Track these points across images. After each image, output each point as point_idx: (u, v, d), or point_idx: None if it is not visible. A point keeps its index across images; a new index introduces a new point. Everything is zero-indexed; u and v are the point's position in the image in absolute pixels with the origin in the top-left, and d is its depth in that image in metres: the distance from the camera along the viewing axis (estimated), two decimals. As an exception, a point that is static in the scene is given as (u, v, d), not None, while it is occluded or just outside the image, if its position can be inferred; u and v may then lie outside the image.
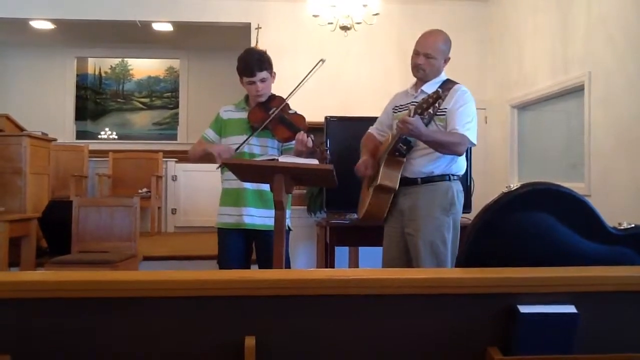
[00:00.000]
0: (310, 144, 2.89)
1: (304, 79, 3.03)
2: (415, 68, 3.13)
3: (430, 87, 3.09)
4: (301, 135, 2.90)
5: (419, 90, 3.13)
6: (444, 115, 3.00)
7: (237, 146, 3.05)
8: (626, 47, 4.19)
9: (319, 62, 2.99)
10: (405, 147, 3.00)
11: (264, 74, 3.07)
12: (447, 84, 3.10)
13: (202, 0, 6.78)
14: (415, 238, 3.03)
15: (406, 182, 3.06)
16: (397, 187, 3.04)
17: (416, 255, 3.02)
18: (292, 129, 3.02)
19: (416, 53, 3.12)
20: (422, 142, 2.99)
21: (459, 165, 3.13)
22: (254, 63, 3.05)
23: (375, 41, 6.61)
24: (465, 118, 3.01)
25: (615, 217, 1.66)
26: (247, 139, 3.03)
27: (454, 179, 3.10)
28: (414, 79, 3.24)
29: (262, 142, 3.11)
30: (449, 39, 3.16)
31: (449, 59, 3.18)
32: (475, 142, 3.04)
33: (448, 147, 2.96)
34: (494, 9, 6.65)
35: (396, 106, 3.26)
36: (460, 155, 3.04)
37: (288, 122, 3.05)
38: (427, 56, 3.08)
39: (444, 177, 3.06)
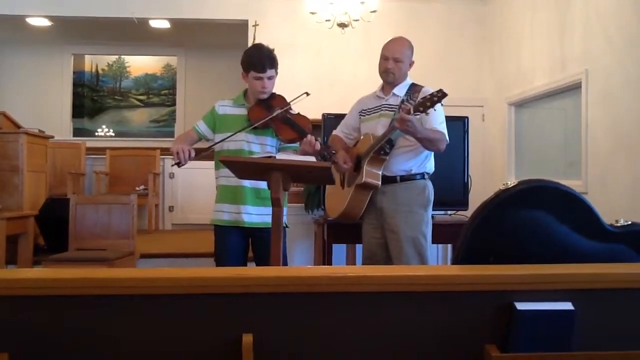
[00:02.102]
0: (318, 146, 2.91)
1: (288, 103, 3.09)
2: (386, 72, 3.32)
3: (401, 90, 3.30)
4: (310, 137, 2.92)
5: (391, 93, 3.33)
6: (417, 115, 3.12)
7: (202, 148, 3.08)
8: (624, 45, 4.20)
9: (303, 94, 3.03)
10: (388, 146, 3.19)
11: (272, 72, 3.09)
12: (415, 87, 3.31)
13: (200, -3, 6.77)
14: (397, 234, 3.19)
15: (385, 180, 3.22)
16: (380, 184, 3.21)
17: (398, 251, 3.17)
18: (296, 129, 3.02)
19: (385, 58, 3.32)
20: (400, 141, 3.18)
21: (431, 164, 3.35)
22: (266, 59, 3.06)
23: (373, 39, 6.56)
24: (439, 118, 3.21)
25: (612, 215, 1.66)
26: (232, 134, 3.02)
27: (427, 177, 3.32)
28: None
29: (261, 140, 3.11)
30: (412, 45, 3.38)
31: (413, 62, 3.39)
32: (448, 140, 3.25)
33: (435, 143, 3.16)
34: (491, 7, 6.65)
35: (363, 110, 3.44)
36: (442, 151, 3.23)
37: (292, 123, 3.04)
38: (396, 60, 3.28)
39: (420, 175, 3.27)
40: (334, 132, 3.57)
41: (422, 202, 3.23)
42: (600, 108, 4.46)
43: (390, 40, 3.37)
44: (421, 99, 3.02)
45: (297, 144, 3.08)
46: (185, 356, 1.28)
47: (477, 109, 6.40)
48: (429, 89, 3.20)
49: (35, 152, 5.34)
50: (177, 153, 2.93)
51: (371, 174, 3.19)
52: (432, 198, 3.28)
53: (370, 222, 3.33)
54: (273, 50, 3.15)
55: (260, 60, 3.05)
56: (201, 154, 3.07)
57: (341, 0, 5.82)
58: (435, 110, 3.12)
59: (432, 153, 3.30)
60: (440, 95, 2.94)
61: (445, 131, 3.20)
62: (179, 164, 2.96)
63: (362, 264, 3.44)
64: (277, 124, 3.04)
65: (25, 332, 1.24)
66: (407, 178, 3.24)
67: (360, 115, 3.43)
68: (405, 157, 3.23)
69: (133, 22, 7.04)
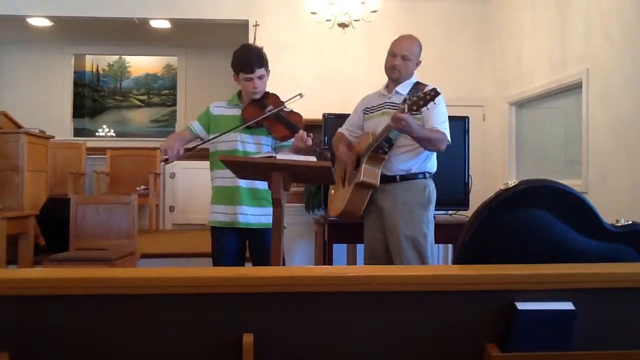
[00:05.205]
0: (310, 142, 2.89)
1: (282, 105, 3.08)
2: (392, 69, 3.28)
3: (404, 88, 3.25)
4: (302, 133, 2.91)
5: (393, 91, 3.29)
6: (419, 114, 3.10)
7: (191, 145, 3.11)
8: (624, 44, 4.19)
9: (297, 95, 3.03)
10: (387, 145, 3.15)
11: (262, 71, 3.06)
12: (419, 86, 3.25)
13: (200, -3, 6.78)
14: (396, 234, 3.17)
15: (385, 179, 3.20)
16: (379, 183, 3.18)
17: (397, 251, 3.15)
18: (290, 127, 3.01)
19: (392, 55, 3.27)
20: (400, 140, 3.15)
21: (433, 163, 3.31)
22: (254, 59, 3.04)
23: (374, 39, 6.59)
24: (441, 117, 3.18)
25: (613, 214, 1.66)
26: (222, 134, 3.02)
27: (429, 177, 3.28)
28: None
29: (256, 139, 3.09)
30: (421, 44, 3.34)
31: (420, 62, 3.34)
32: (450, 140, 3.20)
33: (434, 143, 3.13)
34: (492, 6, 6.65)
35: (367, 107, 3.41)
36: (442, 151, 3.20)
37: (285, 120, 3.03)
38: (404, 58, 3.24)
39: (421, 175, 3.24)
40: (339, 130, 3.53)
41: (422, 201, 3.20)
42: (601, 107, 4.45)
43: (399, 37, 3.33)
44: (414, 97, 2.98)
45: (291, 142, 3.06)
46: (186, 356, 1.28)
47: (477, 109, 6.40)
48: (434, 87, 3.17)
49: (35, 152, 5.34)
50: (165, 150, 2.99)
51: (369, 173, 3.16)
52: (433, 198, 3.25)
53: (371, 222, 3.31)
54: (261, 48, 3.14)
55: (248, 61, 3.03)
56: (190, 152, 3.11)
57: (342, 0, 5.81)
58: (437, 109, 3.10)
59: (434, 152, 3.26)
60: (432, 94, 2.88)
61: (447, 131, 3.16)
62: (166, 161, 3.02)
63: (364, 264, 3.42)
64: (270, 122, 3.04)
65: (25, 332, 1.24)
66: (407, 177, 3.21)
67: (364, 113, 3.40)
68: (405, 156, 3.20)
69: (134, 22, 7.04)
